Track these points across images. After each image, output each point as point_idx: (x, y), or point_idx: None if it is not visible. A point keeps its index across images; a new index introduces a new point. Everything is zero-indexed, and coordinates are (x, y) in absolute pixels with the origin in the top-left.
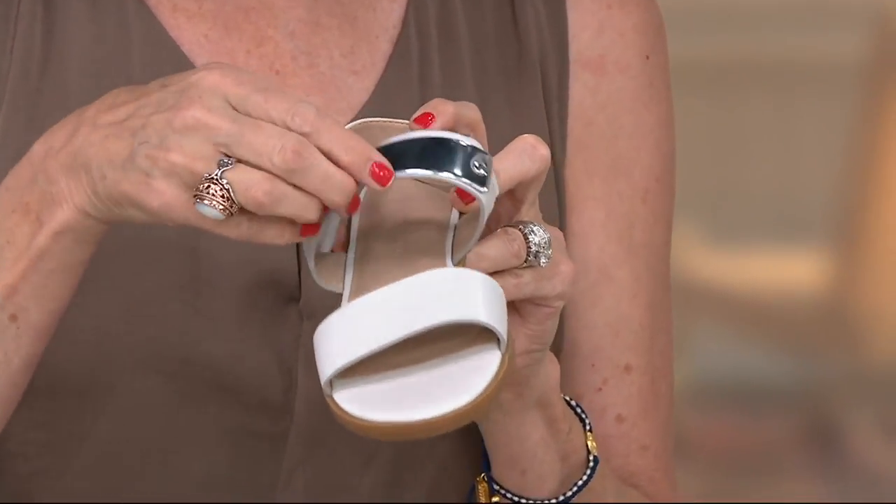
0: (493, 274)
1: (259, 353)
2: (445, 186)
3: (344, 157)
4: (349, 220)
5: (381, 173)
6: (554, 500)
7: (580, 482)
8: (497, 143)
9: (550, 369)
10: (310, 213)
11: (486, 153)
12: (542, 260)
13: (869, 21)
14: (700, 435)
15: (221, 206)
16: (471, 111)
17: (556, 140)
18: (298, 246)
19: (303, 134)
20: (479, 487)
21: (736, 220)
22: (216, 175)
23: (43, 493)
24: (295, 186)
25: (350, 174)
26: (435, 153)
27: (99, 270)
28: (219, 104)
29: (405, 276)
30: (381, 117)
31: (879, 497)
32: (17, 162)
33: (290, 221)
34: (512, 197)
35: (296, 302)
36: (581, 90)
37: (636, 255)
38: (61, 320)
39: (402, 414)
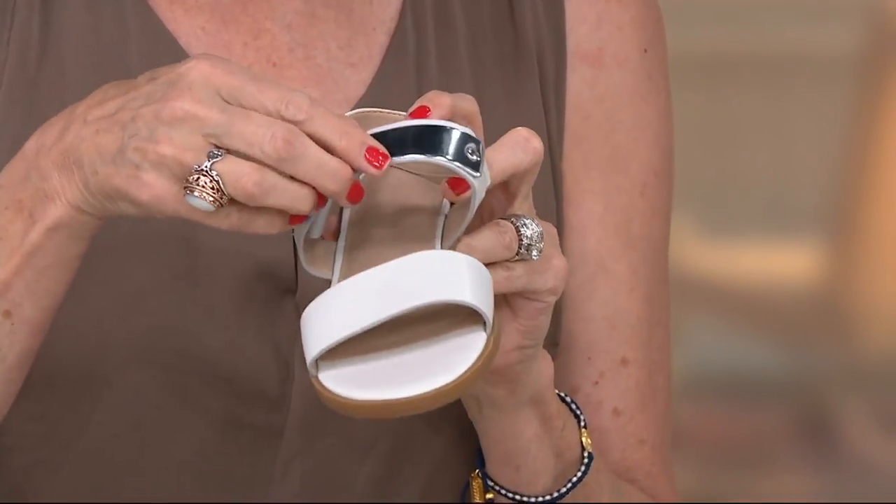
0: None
1: (256, 345)
2: (437, 176)
3: (339, 143)
4: (340, 209)
5: (377, 158)
6: (548, 497)
7: (574, 478)
8: (494, 135)
9: (543, 366)
10: (303, 203)
11: (478, 140)
12: (534, 253)
13: (864, 14)
14: (694, 426)
15: (212, 198)
16: (467, 103)
17: (554, 133)
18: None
19: (297, 122)
20: (474, 484)
21: (730, 212)
22: (206, 166)
23: (40, 486)
24: (288, 177)
25: (345, 160)
26: (429, 140)
27: (95, 262)
28: (208, 95)
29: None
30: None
31: (873, 488)
32: (14, 153)
33: (281, 211)
34: (505, 190)
35: (292, 293)
36: (578, 83)
37: (634, 248)
38: (57, 312)
39: (386, 392)
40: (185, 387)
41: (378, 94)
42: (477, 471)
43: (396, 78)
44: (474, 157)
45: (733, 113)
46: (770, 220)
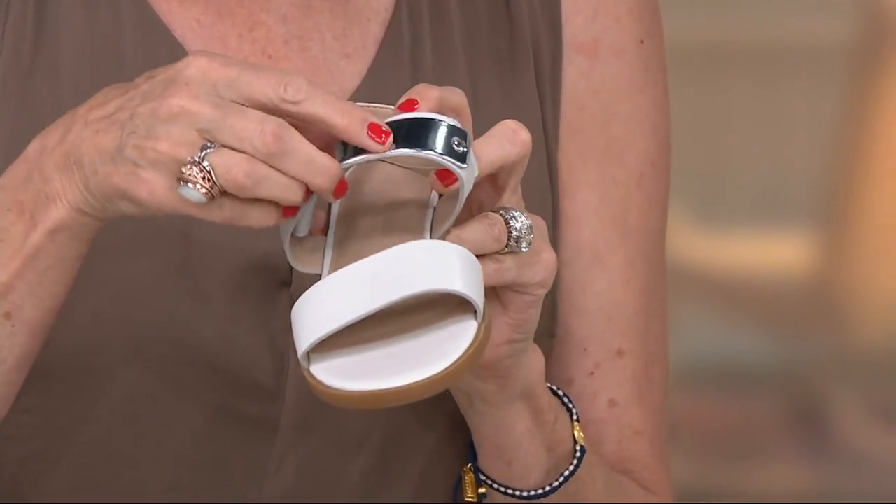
0: None
1: (250, 337)
2: (425, 169)
3: (340, 121)
4: (328, 205)
5: (379, 135)
6: (540, 490)
7: (567, 472)
8: (489, 126)
9: (534, 360)
10: (293, 194)
11: (465, 131)
12: (524, 246)
13: (857, 5)
14: (686, 416)
15: (204, 189)
16: (456, 96)
17: (549, 124)
18: None
19: (296, 102)
20: (466, 478)
21: (723, 202)
22: (198, 158)
23: (36, 478)
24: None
25: (347, 137)
26: (416, 133)
27: (91, 255)
28: (204, 91)
29: None
30: (371, 102)
31: (865, 477)
32: (8, 146)
33: (275, 204)
34: (494, 183)
35: (287, 286)
36: (574, 74)
37: (630, 239)
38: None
39: (378, 383)
40: (180, 379)
41: (373, 85)
42: (469, 465)
43: (391, 69)
44: (461, 149)
45: (727, 104)
46: (763, 210)
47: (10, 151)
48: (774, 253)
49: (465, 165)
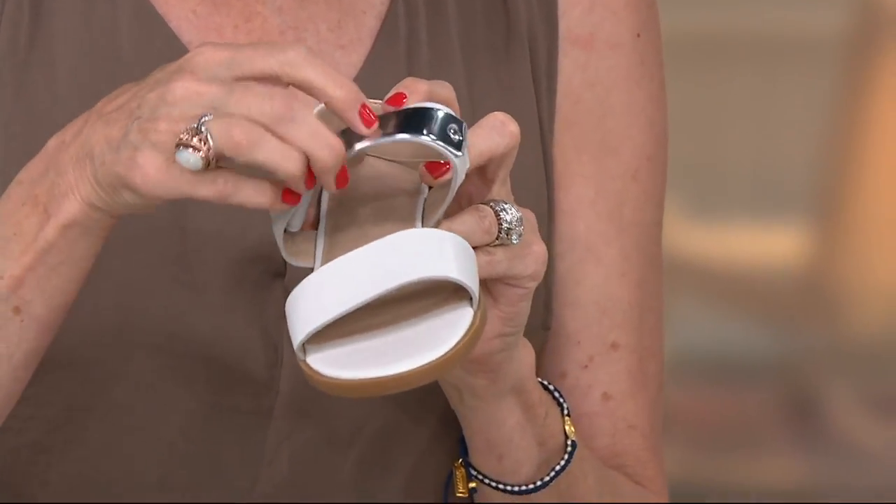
0: None
1: (245, 328)
2: (414, 162)
3: (337, 92)
4: (318, 200)
5: (368, 117)
6: (532, 485)
7: (558, 466)
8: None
9: (524, 354)
10: (291, 163)
11: (461, 121)
12: (514, 238)
13: None
14: (680, 408)
15: (202, 154)
16: (444, 89)
17: (545, 118)
18: None
19: (296, 65)
20: (457, 473)
21: (717, 195)
22: (197, 124)
23: (29, 468)
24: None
25: (340, 109)
26: (410, 122)
27: None
28: (209, 74)
29: None
30: (366, 94)
31: (858, 469)
32: (3, 136)
33: (270, 183)
34: (483, 176)
35: (281, 277)
36: (570, 67)
37: (626, 233)
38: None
39: (374, 370)
40: (174, 370)
41: (369, 77)
42: (460, 460)
43: (387, 62)
44: (457, 137)
45: (721, 96)
46: (758, 202)
47: (5, 142)
48: (769, 245)
49: (460, 153)
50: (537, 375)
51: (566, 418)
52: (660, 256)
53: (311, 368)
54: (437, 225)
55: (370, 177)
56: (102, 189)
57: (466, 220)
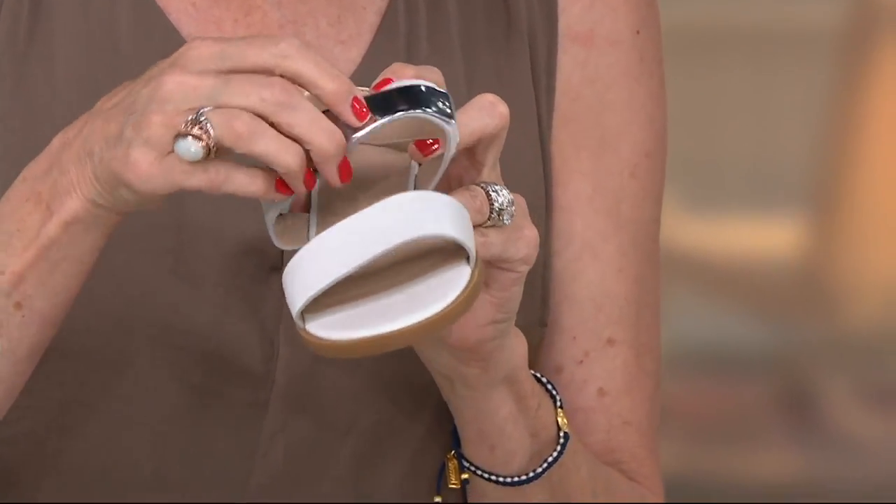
0: None
1: (241, 321)
2: (404, 143)
3: (329, 85)
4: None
5: (360, 111)
6: (524, 476)
7: (550, 458)
8: None
9: (516, 344)
10: (289, 155)
11: (446, 93)
12: (506, 218)
13: None
14: (676, 401)
15: (202, 143)
16: (432, 73)
17: (544, 114)
18: None
19: (289, 56)
20: (450, 465)
21: (713, 187)
22: (196, 115)
23: (24, 459)
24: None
25: (332, 102)
26: (399, 101)
27: None
28: (203, 67)
29: None
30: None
31: (855, 462)
32: (2, 128)
33: (263, 172)
34: (473, 158)
35: (278, 271)
36: (569, 64)
37: (623, 230)
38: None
39: (373, 329)
40: (170, 361)
41: (368, 72)
42: (453, 451)
43: (386, 58)
44: (447, 109)
45: (717, 88)
46: (753, 195)
47: (3, 136)
48: (766, 238)
49: (453, 122)
50: (533, 370)
51: (559, 410)
52: (658, 253)
53: (309, 334)
54: None
55: (359, 160)
56: (102, 186)
57: (458, 198)
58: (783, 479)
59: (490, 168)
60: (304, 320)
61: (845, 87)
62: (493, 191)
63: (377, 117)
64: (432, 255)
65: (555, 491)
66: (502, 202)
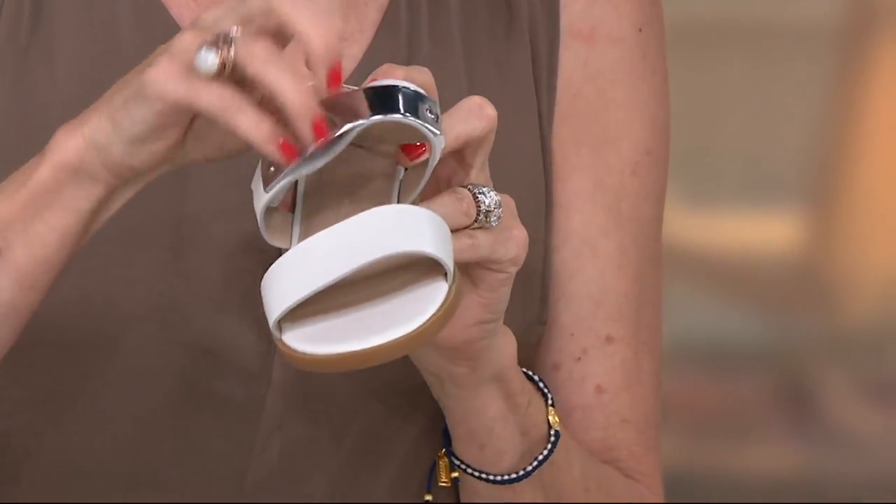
0: None
1: (238, 319)
2: (390, 148)
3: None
4: (295, 182)
5: (336, 75)
6: (514, 475)
7: (541, 456)
8: None
9: (505, 343)
10: (299, 92)
11: (433, 100)
12: (493, 220)
13: None
14: (674, 396)
15: (221, 56)
16: (422, 74)
17: (544, 111)
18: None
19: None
20: (441, 464)
21: (711, 181)
22: (231, 32)
23: (20, 452)
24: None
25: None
26: (383, 102)
27: None
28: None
29: None
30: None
31: (853, 456)
32: (2, 123)
33: (271, 123)
34: (461, 160)
35: None
36: (571, 60)
37: (624, 227)
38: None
39: (350, 345)
40: (166, 357)
41: (369, 68)
42: (443, 450)
43: (388, 54)
44: (432, 115)
45: (716, 84)
46: (751, 189)
47: (4, 131)
48: (764, 233)
49: (438, 132)
50: (531, 368)
51: (550, 408)
52: (660, 252)
53: (286, 346)
54: (413, 205)
55: (346, 162)
56: (112, 122)
57: (444, 201)
58: (782, 473)
59: (478, 170)
60: (280, 330)
61: (844, 82)
62: (480, 193)
63: (365, 114)
64: (412, 267)
65: (546, 488)
66: (489, 204)
